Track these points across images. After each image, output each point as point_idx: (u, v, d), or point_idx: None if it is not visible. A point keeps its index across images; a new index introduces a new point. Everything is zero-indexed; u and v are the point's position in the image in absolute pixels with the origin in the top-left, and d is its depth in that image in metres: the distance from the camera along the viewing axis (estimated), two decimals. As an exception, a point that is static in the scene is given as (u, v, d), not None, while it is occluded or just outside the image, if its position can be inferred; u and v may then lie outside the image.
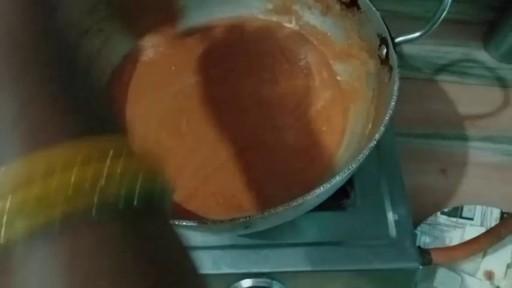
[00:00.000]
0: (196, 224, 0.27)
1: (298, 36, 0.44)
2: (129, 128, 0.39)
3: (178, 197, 0.35)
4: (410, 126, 0.54)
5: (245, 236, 0.39)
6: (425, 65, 0.59)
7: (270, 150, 0.38)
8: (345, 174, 0.28)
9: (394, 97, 0.30)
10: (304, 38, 0.44)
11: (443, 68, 0.58)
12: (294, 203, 0.28)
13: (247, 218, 0.27)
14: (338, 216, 0.40)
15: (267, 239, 0.39)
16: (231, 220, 0.27)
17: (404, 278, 0.40)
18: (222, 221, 0.27)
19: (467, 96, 0.56)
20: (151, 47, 0.45)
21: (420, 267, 0.38)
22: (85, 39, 0.38)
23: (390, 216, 0.40)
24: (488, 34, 0.59)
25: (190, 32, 0.45)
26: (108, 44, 0.42)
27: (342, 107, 0.40)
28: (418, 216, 0.48)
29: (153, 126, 0.40)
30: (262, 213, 0.27)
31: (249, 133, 0.39)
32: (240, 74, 0.43)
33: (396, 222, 0.40)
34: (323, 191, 0.28)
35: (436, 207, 0.49)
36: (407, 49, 0.59)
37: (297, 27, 0.45)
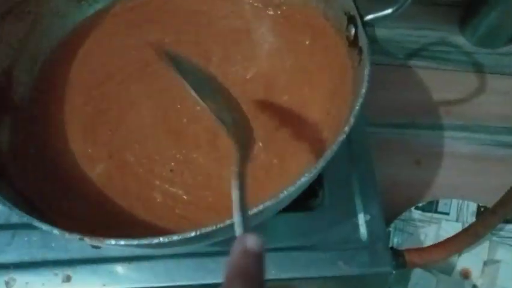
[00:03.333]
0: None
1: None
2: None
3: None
4: (382, 116, 0.51)
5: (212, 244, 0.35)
6: (398, 50, 0.55)
7: None
8: (311, 175, 0.24)
9: (365, 83, 0.27)
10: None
11: (417, 53, 0.55)
12: (255, 209, 0.23)
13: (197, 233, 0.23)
14: (306, 217, 0.37)
15: (225, 246, 0.35)
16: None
17: (376, 282, 0.37)
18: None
19: (442, 83, 0.53)
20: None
21: (394, 272, 0.35)
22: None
23: (362, 217, 0.37)
24: (464, 17, 0.55)
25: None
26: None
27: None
28: (391, 211, 0.45)
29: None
30: (216, 227, 0.23)
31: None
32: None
33: (368, 223, 0.36)
34: (285, 195, 0.24)
35: (410, 201, 0.46)
36: (379, 33, 0.56)
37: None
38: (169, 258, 0.35)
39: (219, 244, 0.35)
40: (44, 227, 0.24)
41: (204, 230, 0.23)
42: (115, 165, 0.34)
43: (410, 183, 0.48)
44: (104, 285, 0.34)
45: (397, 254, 0.37)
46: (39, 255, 0.35)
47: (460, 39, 0.56)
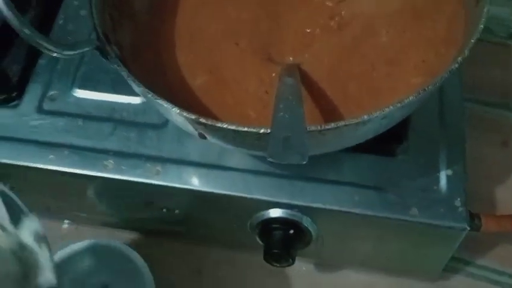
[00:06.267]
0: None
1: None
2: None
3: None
4: (475, 91, 0.49)
5: (282, 164, 0.36)
6: (501, 29, 0.53)
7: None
8: (419, 95, 0.25)
9: (483, 19, 0.26)
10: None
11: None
12: (356, 120, 0.24)
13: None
14: (385, 161, 0.37)
15: (305, 172, 0.36)
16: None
17: (446, 239, 0.36)
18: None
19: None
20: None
21: (468, 228, 0.35)
22: None
23: (444, 171, 0.36)
24: None
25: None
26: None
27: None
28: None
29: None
30: (320, 127, 0.24)
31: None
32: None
33: (449, 178, 0.36)
34: (391, 109, 0.24)
35: (490, 180, 0.45)
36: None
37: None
38: (248, 173, 0.37)
39: (296, 167, 0.36)
40: (166, 105, 0.26)
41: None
42: (213, 79, 0.36)
43: (493, 162, 0.47)
44: (187, 184, 0.37)
45: (473, 216, 0.36)
46: (135, 148, 0.38)
47: None
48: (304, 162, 0.22)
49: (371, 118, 0.25)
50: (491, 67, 0.51)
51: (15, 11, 0.24)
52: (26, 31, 0.25)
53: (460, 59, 0.26)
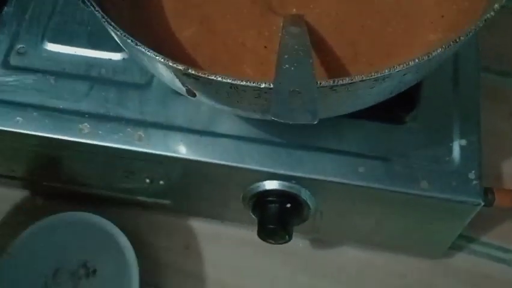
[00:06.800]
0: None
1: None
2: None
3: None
4: (486, 60, 0.46)
5: (280, 130, 0.33)
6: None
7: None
8: (446, 50, 0.21)
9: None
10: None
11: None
12: (375, 75, 0.21)
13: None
14: (393, 129, 0.33)
15: (304, 139, 0.33)
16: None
17: (457, 215, 0.34)
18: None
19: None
20: None
21: (483, 204, 0.32)
22: None
23: (457, 141, 0.33)
24: None
25: None
26: None
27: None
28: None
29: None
30: (333, 82, 0.20)
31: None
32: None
33: (462, 148, 0.33)
34: (417, 63, 0.21)
35: (499, 153, 0.42)
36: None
37: None
38: (241, 140, 0.33)
39: (294, 134, 0.33)
40: (150, 53, 0.22)
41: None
42: (204, 30, 0.32)
43: (502, 134, 0.44)
44: (173, 152, 0.33)
45: (486, 190, 0.33)
46: (114, 111, 0.34)
47: None
48: (315, 122, 0.18)
49: (391, 73, 0.21)
50: (503, 35, 0.47)
51: None
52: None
53: (497, 5, 0.22)
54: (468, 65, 0.36)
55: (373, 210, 0.35)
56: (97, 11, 0.23)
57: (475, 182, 0.32)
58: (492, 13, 0.22)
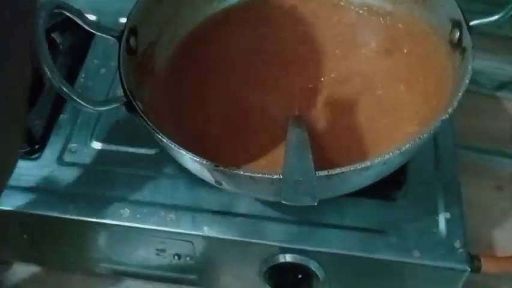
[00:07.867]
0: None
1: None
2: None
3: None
4: (467, 140, 0.52)
5: (291, 209, 0.39)
6: (489, 81, 0.57)
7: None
8: (416, 143, 0.28)
9: (468, 75, 0.30)
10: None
11: (507, 86, 0.56)
12: (359, 166, 0.27)
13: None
14: (386, 206, 0.39)
15: (311, 217, 0.38)
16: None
17: (448, 281, 0.38)
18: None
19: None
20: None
21: (469, 269, 0.36)
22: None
23: (442, 214, 0.38)
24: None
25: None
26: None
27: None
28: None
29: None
30: (328, 172, 0.27)
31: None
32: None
33: (448, 221, 0.38)
34: (391, 156, 0.27)
35: (486, 223, 0.47)
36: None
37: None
38: (255, 218, 0.38)
39: (297, 212, 0.38)
40: (188, 155, 0.29)
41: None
42: (228, 132, 0.39)
43: (488, 207, 0.49)
44: (199, 231, 0.38)
45: (472, 257, 0.38)
46: (149, 197, 0.40)
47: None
48: (315, 204, 0.24)
49: (372, 164, 0.27)
50: (480, 116, 0.54)
51: (59, 76, 0.27)
52: (65, 90, 0.28)
53: (450, 109, 0.29)
54: (446, 145, 0.42)
55: (373, 276, 0.39)
56: (150, 125, 0.31)
57: (460, 250, 0.36)
58: (447, 115, 0.29)
